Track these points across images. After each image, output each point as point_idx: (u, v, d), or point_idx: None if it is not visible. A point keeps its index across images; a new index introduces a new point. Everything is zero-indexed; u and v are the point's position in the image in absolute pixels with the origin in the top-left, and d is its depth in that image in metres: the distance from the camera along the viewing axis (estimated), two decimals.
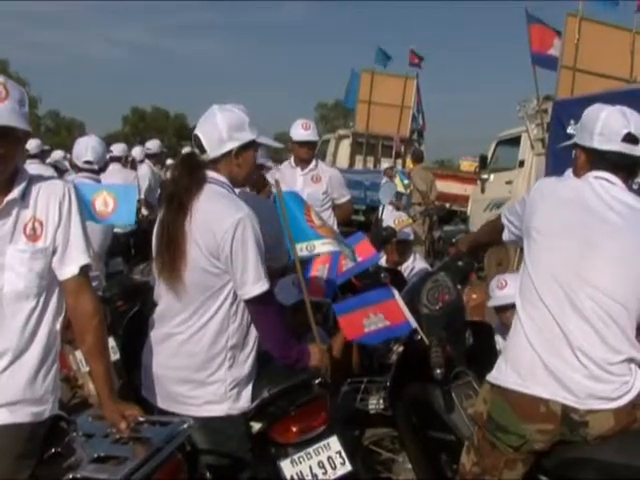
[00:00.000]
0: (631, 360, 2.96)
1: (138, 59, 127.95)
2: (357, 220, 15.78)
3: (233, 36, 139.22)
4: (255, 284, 3.24)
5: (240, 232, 3.19)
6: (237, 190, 3.52)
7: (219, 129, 3.36)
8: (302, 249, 3.54)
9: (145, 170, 11.32)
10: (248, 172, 3.48)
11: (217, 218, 3.23)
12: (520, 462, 3.09)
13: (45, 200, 2.91)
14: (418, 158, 16.84)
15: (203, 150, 3.38)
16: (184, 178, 3.35)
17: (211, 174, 3.37)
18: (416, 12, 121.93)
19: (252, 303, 3.29)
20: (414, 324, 3.81)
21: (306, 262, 4.10)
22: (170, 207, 3.34)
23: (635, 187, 8.51)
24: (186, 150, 4.17)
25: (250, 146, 3.44)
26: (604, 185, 3.06)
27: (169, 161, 15.34)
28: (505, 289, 4.84)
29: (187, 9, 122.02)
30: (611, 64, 12.52)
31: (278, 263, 4.10)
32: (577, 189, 3.10)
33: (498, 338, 4.50)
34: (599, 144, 3.08)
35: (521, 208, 3.26)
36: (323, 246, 3.56)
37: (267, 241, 3.40)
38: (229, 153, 3.37)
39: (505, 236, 3.46)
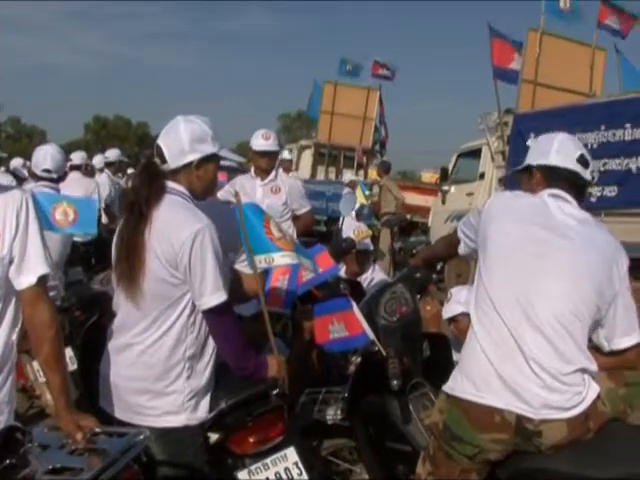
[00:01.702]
0: (584, 370, 3.02)
1: (102, 67, 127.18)
2: (318, 231, 15.71)
3: (197, 46, 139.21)
4: (213, 294, 3.24)
5: (199, 243, 3.19)
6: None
7: (181, 140, 3.35)
8: (260, 261, 3.54)
9: (104, 179, 11.30)
10: (208, 184, 3.47)
11: (176, 228, 3.22)
12: (475, 472, 3.13)
13: (2, 209, 2.86)
14: (386, 169, 17.00)
15: (164, 160, 3.38)
16: (144, 187, 3.33)
17: (171, 184, 3.36)
18: (379, 24, 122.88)
19: (210, 313, 3.28)
20: (371, 335, 3.83)
21: (265, 273, 4.10)
22: (130, 216, 3.33)
23: (593, 200, 8.70)
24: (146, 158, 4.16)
25: (211, 159, 3.44)
26: (558, 202, 3.16)
27: (130, 170, 15.26)
28: (450, 302, 4.94)
29: (152, 17, 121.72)
30: (571, 78, 12.73)
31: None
32: (532, 205, 3.18)
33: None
34: (557, 161, 3.21)
35: (476, 221, 3.32)
36: (282, 259, 3.56)
37: (231, 247, 3.40)
38: (190, 164, 3.37)
39: (461, 250, 3.51)
